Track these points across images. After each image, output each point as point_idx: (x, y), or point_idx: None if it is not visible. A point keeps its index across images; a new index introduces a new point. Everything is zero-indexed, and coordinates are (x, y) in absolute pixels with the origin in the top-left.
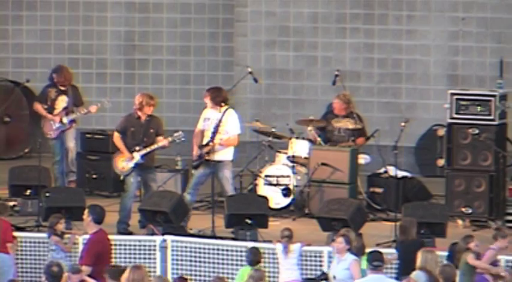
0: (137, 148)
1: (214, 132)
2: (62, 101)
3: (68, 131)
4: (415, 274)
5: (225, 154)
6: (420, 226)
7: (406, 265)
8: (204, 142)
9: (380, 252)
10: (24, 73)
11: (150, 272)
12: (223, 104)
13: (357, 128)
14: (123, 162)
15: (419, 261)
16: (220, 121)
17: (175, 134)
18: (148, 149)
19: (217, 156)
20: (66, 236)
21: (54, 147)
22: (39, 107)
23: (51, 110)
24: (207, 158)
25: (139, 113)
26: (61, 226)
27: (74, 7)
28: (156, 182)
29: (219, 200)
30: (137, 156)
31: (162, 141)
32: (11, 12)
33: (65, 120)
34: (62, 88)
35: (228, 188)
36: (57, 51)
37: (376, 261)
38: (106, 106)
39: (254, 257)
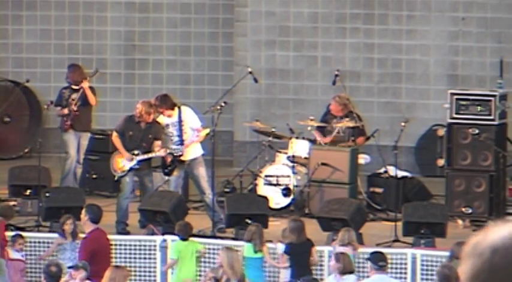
0: (136, 152)
1: (181, 134)
2: (74, 98)
3: (81, 143)
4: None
5: (194, 151)
6: (420, 226)
7: (299, 266)
8: (177, 152)
9: (382, 253)
10: (24, 73)
11: (150, 272)
12: (174, 107)
13: (357, 127)
14: (120, 164)
15: (225, 261)
16: (181, 121)
17: (174, 147)
18: (145, 156)
19: (188, 156)
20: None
21: (65, 141)
22: (56, 109)
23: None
24: (181, 159)
25: (140, 119)
26: (67, 227)
27: (74, 7)
28: (153, 183)
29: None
30: (134, 160)
31: (159, 152)
32: (11, 12)
33: (72, 108)
34: (75, 87)
35: (204, 185)
36: (57, 51)
37: (381, 261)
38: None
39: (185, 229)
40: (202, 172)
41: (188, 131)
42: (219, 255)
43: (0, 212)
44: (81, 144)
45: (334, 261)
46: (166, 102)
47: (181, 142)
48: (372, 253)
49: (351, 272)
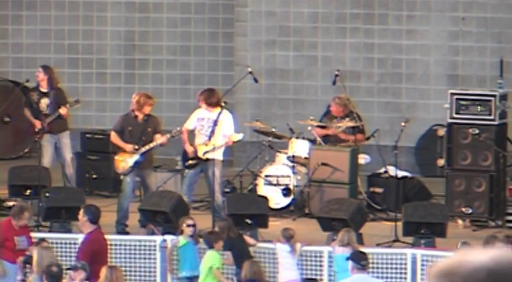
0: (136, 147)
1: (211, 134)
2: (45, 104)
3: (63, 142)
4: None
5: (217, 153)
6: (420, 226)
7: (240, 256)
8: (197, 142)
9: (364, 253)
10: (24, 73)
11: (150, 272)
12: (217, 106)
13: (357, 126)
14: (123, 162)
15: (35, 258)
16: (216, 122)
17: (174, 131)
18: (147, 147)
19: (210, 154)
20: None
21: (41, 148)
22: (26, 112)
23: (37, 113)
24: (204, 157)
25: (137, 113)
26: None
27: (74, 7)
28: (155, 182)
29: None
30: (137, 154)
31: (160, 139)
32: (11, 12)
33: (44, 124)
34: (43, 90)
35: (216, 187)
36: (57, 51)
37: (364, 261)
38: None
39: (213, 238)
40: (217, 173)
41: (218, 133)
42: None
43: (11, 212)
44: (64, 143)
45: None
46: (210, 98)
47: (209, 140)
48: (354, 253)
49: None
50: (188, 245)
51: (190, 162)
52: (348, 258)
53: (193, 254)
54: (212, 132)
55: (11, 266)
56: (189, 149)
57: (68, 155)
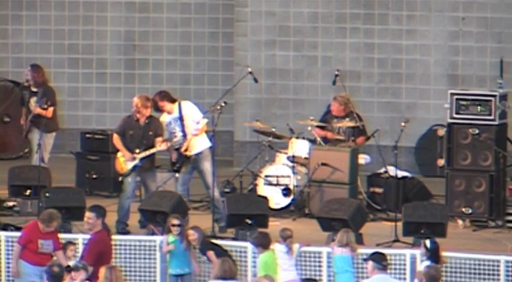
0: (137, 151)
1: (184, 129)
2: (34, 102)
3: (46, 142)
4: None
5: (200, 145)
6: (420, 226)
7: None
8: (178, 145)
9: (383, 253)
10: (24, 73)
11: (150, 272)
12: (172, 101)
13: (357, 126)
14: (123, 164)
15: None
16: (181, 116)
17: (175, 140)
18: (147, 153)
19: (195, 150)
20: None
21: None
22: (22, 111)
23: (28, 111)
24: (187, 154)
25: (138, 116)
26: None
27: (74, 7)
28: (156, 182)
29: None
30: (137, 158)
31: (161, 146)
32: (11, 12)
33: (28, 122)
34: (34, 89)
35: (209, 180)
36: (57, 51)
37: (385, 261)
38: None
39: (264, 240)
40: (207, 166)
41: (190, 124)
42: None
43: (40, 216)
44: (46, 143)
45: None
46: (163, 97)
47: (185, 137)
48: (374, 254)
49: (231, 278)
50: (176, 242)
51: (175, 167)
52: (365, 259)
53: (181, 252)
54: (183, 127)
55: (30, 267)
56: (172, 154)
57: (47, 155)
